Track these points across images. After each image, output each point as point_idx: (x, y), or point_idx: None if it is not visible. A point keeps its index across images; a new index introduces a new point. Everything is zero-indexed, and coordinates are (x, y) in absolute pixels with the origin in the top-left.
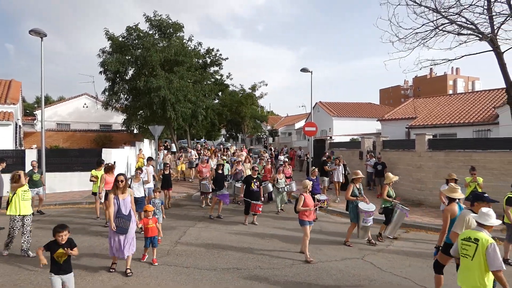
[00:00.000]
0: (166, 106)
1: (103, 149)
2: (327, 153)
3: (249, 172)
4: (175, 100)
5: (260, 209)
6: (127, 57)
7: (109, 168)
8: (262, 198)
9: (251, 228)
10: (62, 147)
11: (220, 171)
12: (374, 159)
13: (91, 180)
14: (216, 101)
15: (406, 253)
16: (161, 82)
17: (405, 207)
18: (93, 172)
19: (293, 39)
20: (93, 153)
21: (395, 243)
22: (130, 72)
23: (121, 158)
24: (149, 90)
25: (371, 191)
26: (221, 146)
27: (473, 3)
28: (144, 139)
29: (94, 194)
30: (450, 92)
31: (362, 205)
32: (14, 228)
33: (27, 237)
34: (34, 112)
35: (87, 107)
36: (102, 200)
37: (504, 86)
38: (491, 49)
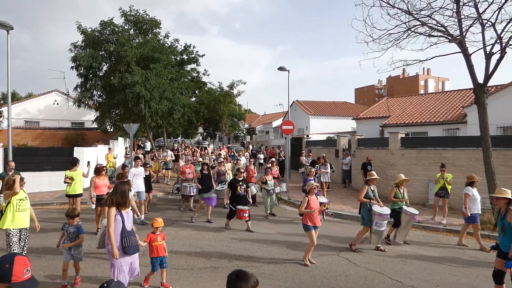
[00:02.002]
0: (140, 103)
1: (74, 147)
2: (304, 152)
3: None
4: (150, 97)
5: (246, 215)
6: (100, 52)
7: (99, 171)
8: (251, 201)
9: (230, 229)
10: (31, 146)
11: (205, 171)
12: (349, 157)
13: (65, 182)
14: (193, 99)
15: (382, 249)
16: (136, 78)
17: (412, 211)
18: (68, 173)
19: (270, 38)
20: (64, 152)
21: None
22: (104, 68)
23: (95, 157)
24: (124, 86)
25: (346, 188)
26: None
27: (443, 6)
28: (119, 137)
29: (69, 196)
30: (422, 92)
31: (376, 208)
32: (11, 244)
33: (22, 254)
34: (0, 109)
35: (57, 104)
36: (93, 207)
37: (472, 86)
38: (460, 50)
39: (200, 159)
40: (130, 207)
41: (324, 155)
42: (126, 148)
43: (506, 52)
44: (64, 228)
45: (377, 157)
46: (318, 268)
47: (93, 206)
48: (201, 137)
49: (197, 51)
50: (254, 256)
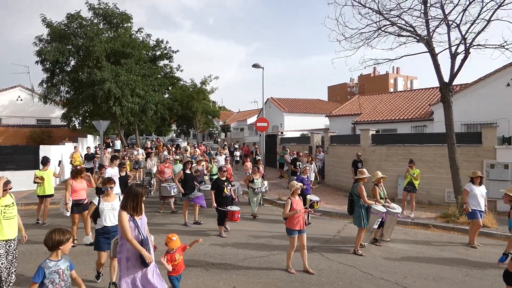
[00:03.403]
0: (111, 100)
1: (40, 146)
2: (280, 149)
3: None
4: (121, 94)
5: (239, 216)
6: (68, 47)
7: (77, 173)
8: (237, 200)
9: (202, 227)
10: None
11: (188, 171)
12: (323, 153)
13: (35, 182)
14: (167, 95)
15: (352, 243)
16: (106, 75)
17: (394, 209)
18: (38, 172)
19: (245, 34)
20: (29, 150)
21: (342, 233)
22: (72, 63)
23: (63, 155)
24: (93, 82)
25: (320, 184)
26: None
27: (411, 7)
28: (88, 134)
29: (40, 197)
30: (391, 90)
31: (378, 207)
32: None
33: (11, 271)
34: None
35: (21, 100)
36: (68, 214)
37: (438, 85)
38: (427, 50)
39: (177, 157)
40: (143, 213)
41: (306, 152)
42: (88, 148)
43: (470, 53)
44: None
45: (349, 153)
46: (292, 264)
47: (67, 214)
48: (174, 135)
49: (170, 47)
50: (228, 252)
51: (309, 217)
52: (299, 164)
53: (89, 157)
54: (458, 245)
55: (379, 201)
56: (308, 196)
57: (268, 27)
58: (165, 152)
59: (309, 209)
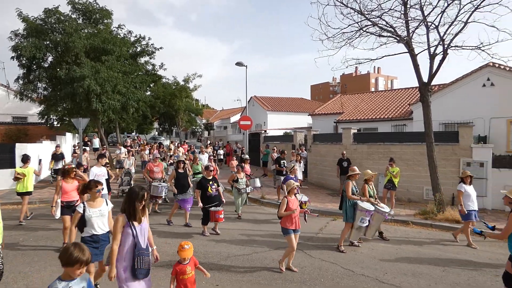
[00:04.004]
0: (91, 97)
1: (16, 144)
2: (263, 147)
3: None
4: (102, 91)
5: (222, 216)
6: (45, 42)
7: (67, 172)
8: (224, 201)
9: (186, 227)
10: None
11: (181, 170)
12: (305, 151)
13: (15, 179)
14: (148, 93)
15: (334, 240)
16: (86, 72)
17: (383, 208)
18: (18, 169)
19: (228, 32)
20: (5, 148)
21: (324, 231)
22: (49, 59)
23: (40, 153)
24: (72, 79)
25: (302, 182)
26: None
27: (392, 8)
28: (67, 132)
29: (20, 194)
30: (373, 89)
31: (364, 204)
32: None
33: None
34: None
35: None
36: (57, 217)
37: (418, 85)
38: (407, 51)
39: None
40: (146, 219)
41: (294, 151)
42: (74, 146)
43: (448, 54)
44: None
45: (331, 151)
46: (275, 261)
47: (57, 216)
48: (156, 133)
49: (152, 44)
50: (211, 251)
51: (306, 217)
52: (284, 162)
53: (57, 157)
54: (436, 242)
55: (368, 199)
56: (297, 196)
57: (251, 25)
58: (146, 151)
59: (306, 209)
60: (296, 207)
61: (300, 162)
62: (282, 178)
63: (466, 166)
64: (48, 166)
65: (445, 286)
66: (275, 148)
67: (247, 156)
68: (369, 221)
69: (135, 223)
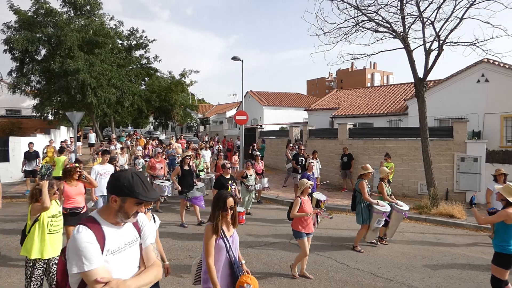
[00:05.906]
0: (86, 91)
1: (10, 137)
2: (291, 145)
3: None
4: (97, 84)
5: (244, 218)
6: (37, 35)
7: (69, 172)
8: (241, 199)
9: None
10: None
11: (186, 167)
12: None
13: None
14: (144, 86)
15: (330, 235)
16: (80, 65)
17: (401, 207)
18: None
19: (224, 26)
20: None
21: (319, 225)
22: (43, 52)
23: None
24: (66, 72)
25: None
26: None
27: (388, 3)
28: (61, 126)
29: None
30: (368, 85)
31: (381, 208)
32: (33, 279)
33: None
34: None
35: None
36: None
37: (413, 80)
38: (403, 46)
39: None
40: (232, 226)
41: (304, 148)
42: (30, 143)
43: (443, 49)
44: None
45: (327, 147)
46: (270, 256)
47: None
48: (152, 127)
49: (146, 36)
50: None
51: (318, 218)
52: (302, 160)
53: (31, 156)
54: (429, 236)
55: (387, 198)
56: (314, 195)
57: (248, 20)
58: (139, 147)
59: (319, 210)
60: (310, 209)
61: (316, 159)
62: (299, 176)
63: (460, 161)
64: (21, 167)
65: (438, 279)
66: (290, 145)
67: (258, 153)
68: (386, 220)
69: (227, 234)
